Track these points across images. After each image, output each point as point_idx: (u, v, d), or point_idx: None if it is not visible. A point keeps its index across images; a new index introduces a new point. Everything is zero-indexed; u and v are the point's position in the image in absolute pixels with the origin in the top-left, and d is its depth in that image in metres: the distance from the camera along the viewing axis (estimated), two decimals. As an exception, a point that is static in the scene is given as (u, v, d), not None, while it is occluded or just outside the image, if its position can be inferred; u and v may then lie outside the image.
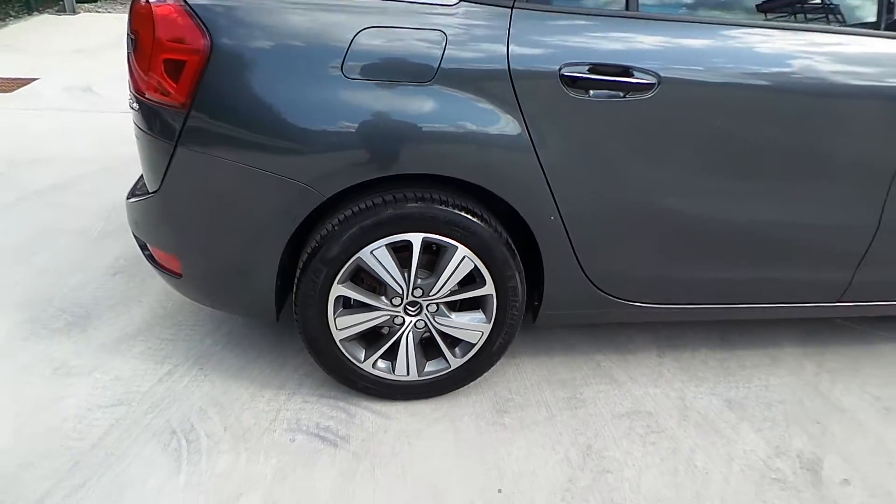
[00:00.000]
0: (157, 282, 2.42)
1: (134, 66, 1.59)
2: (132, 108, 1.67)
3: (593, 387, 1.99)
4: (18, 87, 4.99)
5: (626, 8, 1.59)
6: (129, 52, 1.62)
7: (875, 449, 1.81)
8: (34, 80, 5.14)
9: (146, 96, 1.57)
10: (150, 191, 1.70)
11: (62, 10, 7.68)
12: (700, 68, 1.59)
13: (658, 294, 1.90)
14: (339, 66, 1.49)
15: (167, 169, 1.60)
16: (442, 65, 1.52)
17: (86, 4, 8.19)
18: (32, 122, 4.28)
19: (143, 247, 1.89)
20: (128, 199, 1.86)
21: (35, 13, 7.37)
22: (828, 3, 1.73)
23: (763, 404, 1.95)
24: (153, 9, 1.49)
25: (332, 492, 1.59)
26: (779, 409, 1.94)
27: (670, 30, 1.60)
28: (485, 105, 1.55)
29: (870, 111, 1.68)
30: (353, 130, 1.52)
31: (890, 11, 1.68)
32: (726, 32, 1.61)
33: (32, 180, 3.31)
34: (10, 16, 7.02)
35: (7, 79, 5.15)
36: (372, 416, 1.84)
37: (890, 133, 1.70)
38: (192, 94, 1.51)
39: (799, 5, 1.72)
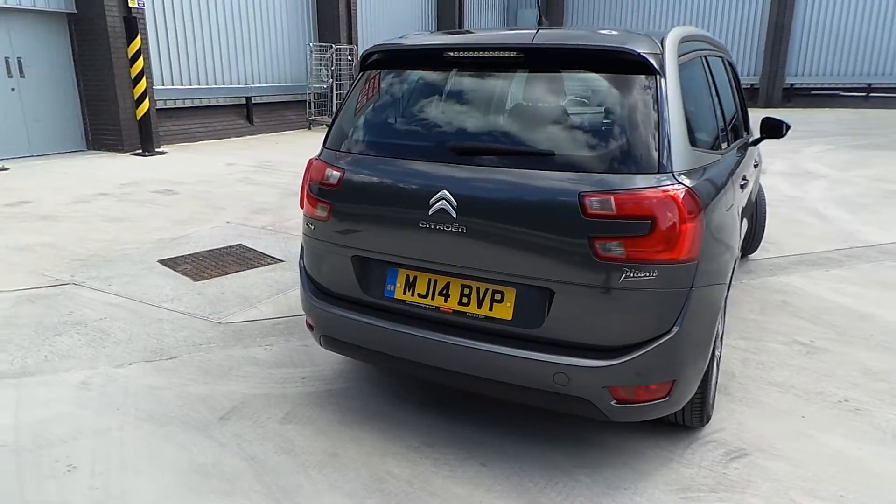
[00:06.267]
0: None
1: (641, 244, 2.02)
2: (632, 278, 2.02)
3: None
4: None
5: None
6: (633, 237, 2.01)
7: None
8: None
9: (664, 261, 2.03)
10: (648, 338, 2.10)
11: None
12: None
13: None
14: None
15: (682, 310, 2.08)
16: None
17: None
18: None
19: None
20: (605, 363, 2.07)
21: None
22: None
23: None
24: (674, 196, 2.02)
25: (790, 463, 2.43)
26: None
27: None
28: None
29: None
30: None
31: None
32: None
33: None
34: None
35: None
36: (732, 437, 2.65)
37: None
38: (697, 247, 2.10)
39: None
